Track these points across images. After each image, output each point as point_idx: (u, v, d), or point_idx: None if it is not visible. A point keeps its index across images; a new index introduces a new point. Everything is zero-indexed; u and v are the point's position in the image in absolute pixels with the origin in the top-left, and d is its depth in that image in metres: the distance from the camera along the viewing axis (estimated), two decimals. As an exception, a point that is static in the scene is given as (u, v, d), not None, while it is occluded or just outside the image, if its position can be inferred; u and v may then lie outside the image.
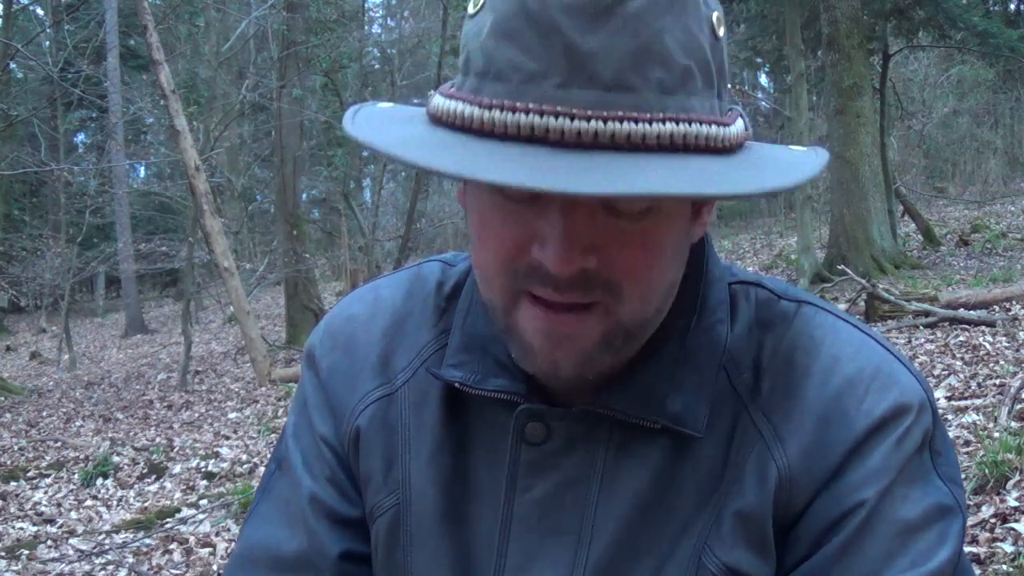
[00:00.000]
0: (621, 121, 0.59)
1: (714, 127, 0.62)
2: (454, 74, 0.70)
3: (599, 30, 0.59)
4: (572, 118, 0.59)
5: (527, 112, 0.59)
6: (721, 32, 0.66)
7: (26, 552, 5.07)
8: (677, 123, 0.60)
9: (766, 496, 0.71)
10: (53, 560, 4.94)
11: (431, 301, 0.84)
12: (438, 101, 0.65)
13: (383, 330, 0.84)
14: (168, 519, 5.53)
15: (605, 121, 0.59)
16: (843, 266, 10.24)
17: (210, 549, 4.77)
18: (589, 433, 0.74)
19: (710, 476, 0.72)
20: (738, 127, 0.65)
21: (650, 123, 0.59)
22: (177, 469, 6.94)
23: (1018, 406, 4.37)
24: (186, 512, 5.61)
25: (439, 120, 0.64)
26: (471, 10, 0.67)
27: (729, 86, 0.70)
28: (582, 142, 0.59)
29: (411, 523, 0.79)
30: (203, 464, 6.94)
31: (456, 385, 0.77)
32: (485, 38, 0.63)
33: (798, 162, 0.65)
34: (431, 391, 0.80)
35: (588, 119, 0.59)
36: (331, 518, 0.82)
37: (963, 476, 3.52)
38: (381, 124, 0.67)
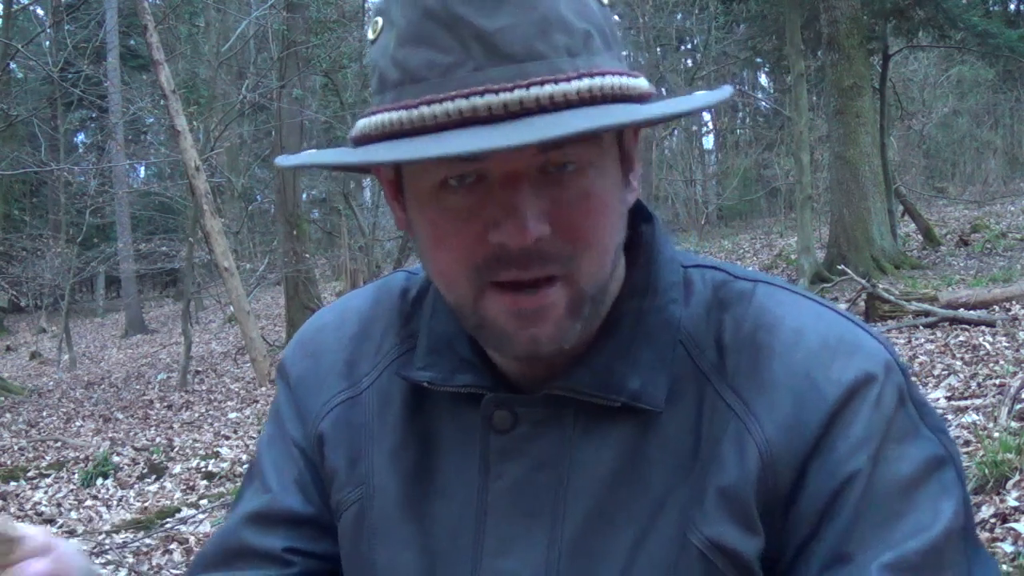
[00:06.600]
0: (541, 84, 0.63)
1: (625, 77, 0.67)
2: None
3: (500, 10, 0.63)
4: (496, 92, 0.62)
5: (452, 99, 0.63)
6: (606, 0, 0.71)
7: (26, 552, 5.07)
8: (592, 77, 0.65)
9: (747, 473, 0.72)
10: (53, 560, 4.93)
11: (396, 307, 0.88)
12: (360, 123, 0.69)
13: (350, 337, 0.88)
14: (168, 519, 5.54)
15: (527, 88, 0.63)
16: (843, 266, 10.25)
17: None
18: (555, 417, 0.76)
19: (681, 452, 0.74)
20: (644, 81, 0.70)
21: (568, 81, 0.63)
22: (177, 469, 6.94)
23: (1018, 406, 4.37)
24: (186, 512, 5.61)
25: (366, 139, 0.68)
26: (371, 36, 0.70)
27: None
28: (510, 112, 0.63)
29: (375, 516, 0.82)
30: (203, 464, 6.95)
31: (425, 385, 0.80)
32: (394, 51, 0.67)
33: (703, 97, 0.70)
34: (395, 392, 0.84)
35: (511, 90, 0.62)
36: (288, 520, 0.87)
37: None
38: (313, 155, 0.71)
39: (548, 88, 0.63)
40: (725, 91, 0.70)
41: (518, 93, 0.62)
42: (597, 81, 0.65)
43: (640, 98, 0.68)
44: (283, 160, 0.70)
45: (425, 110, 0.63)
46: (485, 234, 0.67)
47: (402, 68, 0.66)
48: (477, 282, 0.70)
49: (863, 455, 0.70)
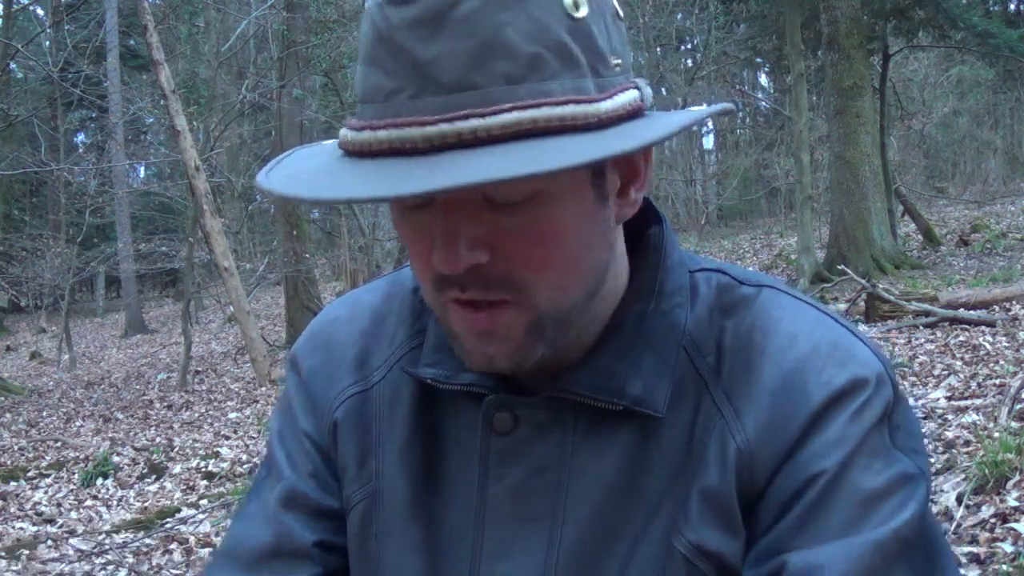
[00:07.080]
0: (465, 119, 0.61)
1: (571, 106, 0.63)
2: None
3: (436, 38, 0.62)
4: (421, 125, 0.62)
5: (385, 128, 0.63)
6: (581, 12, 0.65)
7: (26, 552, 5.07)
8: (525, 110, 0.62)
9: (728, 473, 0.72)
10: (53, 560, 4.94)
11: (408, 303, 0.87)
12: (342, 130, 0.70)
13: (362, 331, 0.88)
14: (168, 519, 5.54)
15: (450, 122, 0.61)
16: (843, 266, 10.25)
17: (210, 549, 4.77)
18: (556, 420, 0.76)
19: (676, 457, 0.74)
20: (621, 100, 0.66)
21: (495, 115, 0.61)
22: (177, 469, 6.94)
23: (1018, 406, 4.37)
24: (186, 512, 5.61)
25: (342, 147, 0.69)
26: None
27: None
28: (433, 146, 0.62)
29: (383, 513, 0.82)
30: (203, 464, 6.95)
31: (429, 382, 0.80)
32: (359, 66, 0.67)
33: (672, 121, 0.66)
34: (405, 388, 0.83)
35: (435, 123, 0.61)
36: (311, 510, 0.85)
37: (963, 476, 3.53)
38: (293, 162, 0.70)
39: (472, 122, 0.61)
40: (704, 110, 0.68)
41: (440, 127, 0.61)
42: (530, 114, 0.61)
43: (600, 124, 0.64)
44: (265, 181, 0.68)
45: (365, 135, 0.64)
46: (431, 253, 0.68)
47: (362, 85, 0.67)
48: (439, 295, 0.70)
49: (832, 458, 0.70)
